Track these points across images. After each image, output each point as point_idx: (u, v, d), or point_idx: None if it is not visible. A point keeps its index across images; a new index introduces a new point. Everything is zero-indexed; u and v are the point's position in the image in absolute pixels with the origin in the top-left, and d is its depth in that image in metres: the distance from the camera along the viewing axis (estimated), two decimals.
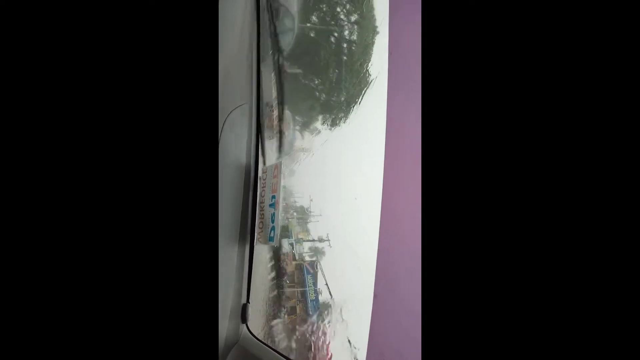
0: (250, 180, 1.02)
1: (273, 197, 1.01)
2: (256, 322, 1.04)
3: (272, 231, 0.99)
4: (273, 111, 1.34)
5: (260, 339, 0.94)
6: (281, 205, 0.97)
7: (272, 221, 1.00)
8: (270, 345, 0.93)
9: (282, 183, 1.00)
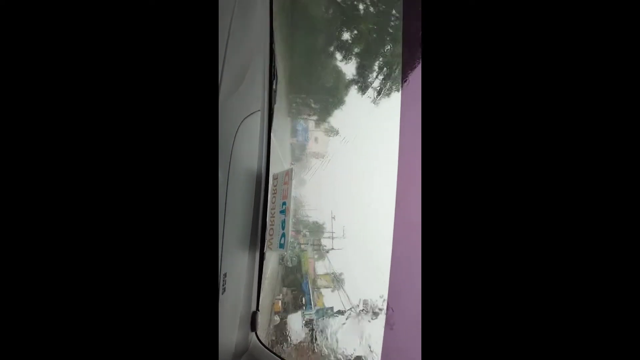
0: (262, 187, 1.04)
1: (284, 203, 1.03)
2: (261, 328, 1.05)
3: (283, 238, 1.01)
4: None
5: (269, 347, 0.96)
6: (292, 213, 0.99)
7: (283, 228, 1.02)
8: (280, 354, 0.94)
9: (293, 194, 1.02)
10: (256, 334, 0.98)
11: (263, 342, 0.97)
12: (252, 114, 0.94)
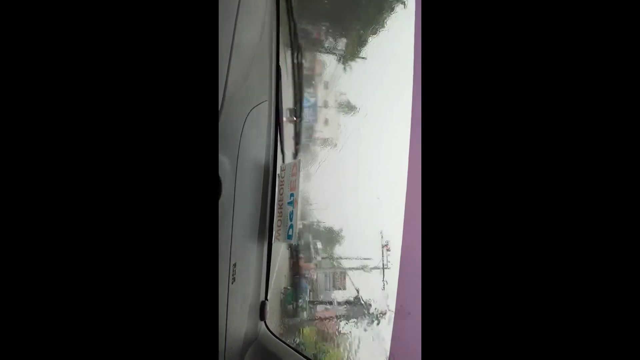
0: (269, 178, 1.07)
1: (292, 195, 1.06)
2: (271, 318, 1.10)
3: (291, 229, 1.05)
4: None
5: (278, 336, 1.00)
6: (299, 207, 1.02)
7: (291, 219, 1.05)
8: (288, 342, 0.99)
9: (300, 187, 1.03)
10: (265, 323, 1.03)
11: (272, 331, 1.02)
12: (260, 104, 0.95)
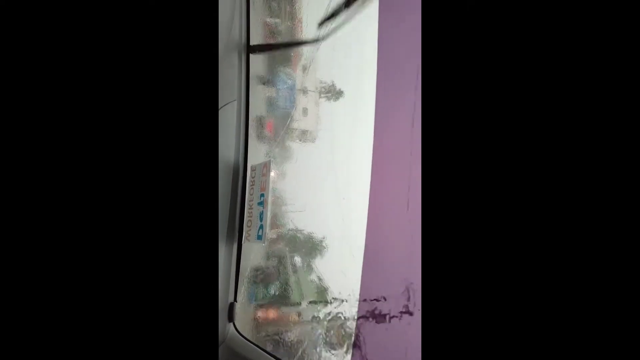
0: (239, 179, 1.05)
1: (262, 195, 1.05)
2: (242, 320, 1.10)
3: (261, 229, 1.05)
4: None
5: (247, 338, 1.01)
6: (270, 206, 1.01)
7: (261, 219, 1.04)
8: (258, 344, 1.00)
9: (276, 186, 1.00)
10: (234, 324, 1.03)
11: (241, 332, 1.02)
12: (227, 104, 0.93)
